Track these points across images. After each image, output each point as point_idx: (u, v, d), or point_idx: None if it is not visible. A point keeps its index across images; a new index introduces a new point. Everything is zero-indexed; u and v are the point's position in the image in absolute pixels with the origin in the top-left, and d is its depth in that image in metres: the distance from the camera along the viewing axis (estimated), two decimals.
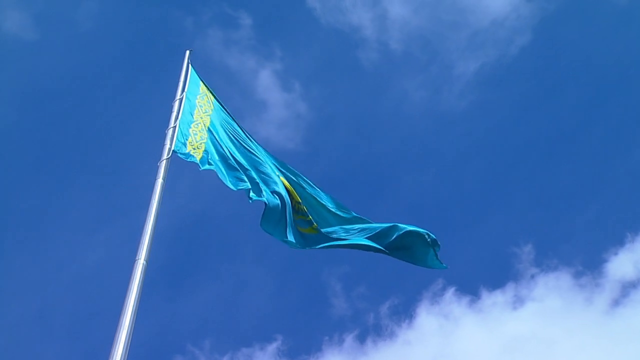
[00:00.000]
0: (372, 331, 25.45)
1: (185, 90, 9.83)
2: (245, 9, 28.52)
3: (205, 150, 9.11)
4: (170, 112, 9.40)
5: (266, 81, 28.44)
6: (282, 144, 27.12)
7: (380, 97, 30.37)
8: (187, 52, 10.49)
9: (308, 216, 9.75)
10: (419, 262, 9.70)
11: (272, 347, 24.04)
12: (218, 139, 9.56)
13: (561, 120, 30.26)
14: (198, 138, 9.24)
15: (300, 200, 9.83)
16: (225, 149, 9.46)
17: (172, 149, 8.69)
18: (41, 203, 25.85)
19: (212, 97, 10.40)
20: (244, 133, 10.20)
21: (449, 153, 30.45)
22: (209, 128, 9.62)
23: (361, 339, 24.75)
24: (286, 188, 9.87)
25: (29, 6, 26.24)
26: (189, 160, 8.84)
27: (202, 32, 27.95)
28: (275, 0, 30.20)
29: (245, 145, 9.87)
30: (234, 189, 8.96)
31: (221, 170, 9.09)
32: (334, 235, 9.76)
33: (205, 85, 10.49)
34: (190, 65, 10.38)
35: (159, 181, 8.21)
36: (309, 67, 30.28)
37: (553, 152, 30.25)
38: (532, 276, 26.62)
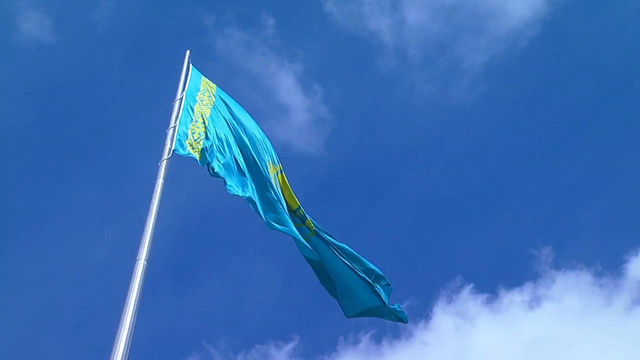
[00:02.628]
0: (388, 331, 25.37)
1: (186, 89, 9.86)
2: (261, 13, 28.61)
3: (204, 147, 9.13)
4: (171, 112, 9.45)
5: (279, 83, 28.50)
6: (290, 141, 27.15)
7: (388, 91, 30.37)
8: (188, 52, 10.55)
9: (307, 220, 9.75)
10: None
11: (286, 346, 24.09)
12: (217, 134, 9.58)
13: (573, 113, 30.17)
14: (196, 136, 9.26)
15: (299, 204, 9.84)
16: (223, 143, 9.49)
17: (173, 148, 8.72)
18: (44, 202, 25.98)
19: (214, 91, 10.41)
20: (248, 124, 10.21)
21: (459, 147, 30.43)
22: (209, 122, 9.65)
23: (377, 339, 24.61)
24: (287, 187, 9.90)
25: (45, 7, 26.35)
26: (189, 156, 8.89)
27: (217, 35, 28.07)
28: (292, 4, 30.28)
29: (245, 140, 9.89)
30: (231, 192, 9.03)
31: (220, 166, 9.12)
32: (330, 239, 9.74)
33: (207, 80, 10.52)
34: (191, 64, 10.43)
35: (160, 181, 8.20)
36: (320, 68, 30.31)
37: (568, 145, 30.12)
38: (551, 275, 26.46)
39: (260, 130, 10.35)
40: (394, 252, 29.39)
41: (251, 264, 27.70)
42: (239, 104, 10.66)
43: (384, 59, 29.48)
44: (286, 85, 28.35)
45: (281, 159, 10.28)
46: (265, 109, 26.28)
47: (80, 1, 28.13)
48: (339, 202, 27.70)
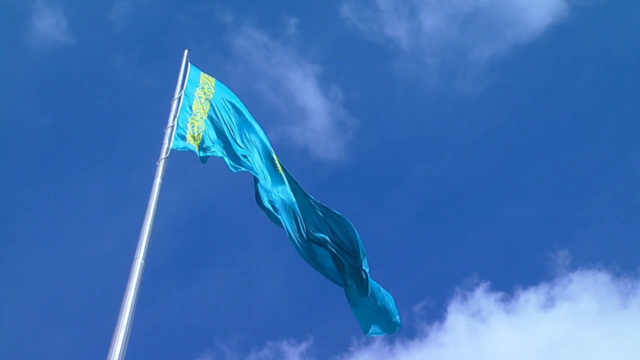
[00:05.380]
0: (402, 332, 25.13)
1: (184, 88, 9.92)
2: (280, 16, 28.65)
3: (202, 140, 9.26)
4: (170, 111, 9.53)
5: (296, 85, 28.52)
6: (308, 145, 27.20)
7: (393, 83, 30.26)
8: (186, 52, 10.56)
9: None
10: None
11: (299, 344, 24.06)
12: (217, 126, 9.69)
13: (580, 106, 29.90)
14: (195, 129, 9.36)
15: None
16: (225, 133, 9.63)
17: (171, 147, 8.79)
18: (44, 200, 26.06)
19: (213, 84, 10.48)
20: (247, 119, 10.34)
21: (472, 140, 30.22)
22: (208, 116, 9.75)
23: (390, 340, 24.44)
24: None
25: (62, 6, 26.47)
26: (188, 149, 9.01)
27: (235, 37, 28.12)
28: (307, 8, 30.27)
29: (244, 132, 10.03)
30: (234, 171, 9.21)
31: (222, 153, 9.27)
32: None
33: (206, 75, 10.59)
34: (189, 63, 10.48)
35: (157, 180, 8.26)
36: (334, 71, 30.31)
37: (583, 139, 29.84)
38: (567, 274, 26.16)
39: (259, 127, 10.40)
40: (407, 249, 29.39)
41: (257, 259, 27.75)
42: (239, 98, 10.72)
43: (394, 58, 29.40)
44: (303, 87, 28.36)
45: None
46: (282, 111, 26.41)
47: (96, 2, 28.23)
48: (347, 198, 27.66)
